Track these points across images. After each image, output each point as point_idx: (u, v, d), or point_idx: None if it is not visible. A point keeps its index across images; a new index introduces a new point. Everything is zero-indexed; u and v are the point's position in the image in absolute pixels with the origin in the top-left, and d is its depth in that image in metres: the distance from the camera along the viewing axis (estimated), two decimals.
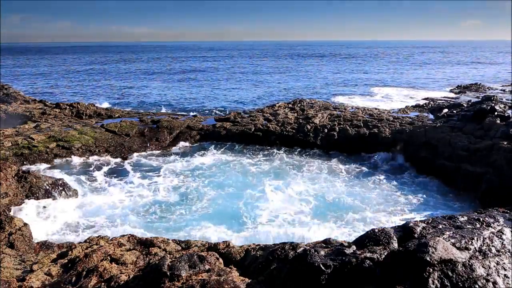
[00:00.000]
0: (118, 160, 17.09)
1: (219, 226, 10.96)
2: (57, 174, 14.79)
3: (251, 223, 11.30)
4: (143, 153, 18.18)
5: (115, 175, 15.21)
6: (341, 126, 19.58)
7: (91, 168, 15.80)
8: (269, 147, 18.84)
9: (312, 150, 18.48)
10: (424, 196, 13.33)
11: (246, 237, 10.22)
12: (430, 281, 3.86)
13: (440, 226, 5.30)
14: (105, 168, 15.86)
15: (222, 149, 18.58)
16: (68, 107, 23.94)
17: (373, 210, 12.10)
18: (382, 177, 14.97)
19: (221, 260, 6.11)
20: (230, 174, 15.25)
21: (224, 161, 16.82)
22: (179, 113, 26.67)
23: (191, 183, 14.25)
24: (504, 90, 35.47)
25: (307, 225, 10.98)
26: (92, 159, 16.91)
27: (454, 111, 21.13)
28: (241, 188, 13.79)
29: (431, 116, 22.15)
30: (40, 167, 15.55)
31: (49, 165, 15.93)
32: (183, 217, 11.69)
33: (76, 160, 16.59)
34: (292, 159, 17.29)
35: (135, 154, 17.76)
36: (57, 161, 16.37)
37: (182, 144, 19.46)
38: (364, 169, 15.95)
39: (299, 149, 18.54)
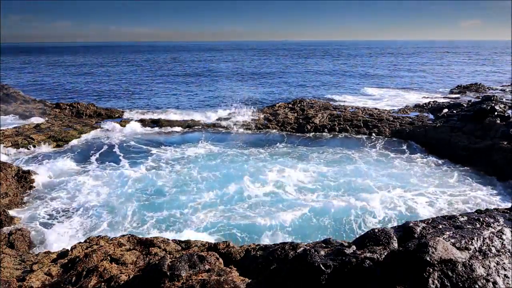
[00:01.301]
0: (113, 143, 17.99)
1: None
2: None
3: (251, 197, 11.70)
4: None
5: (109, 160, 15.63)
6: (341, 126, 19.59)
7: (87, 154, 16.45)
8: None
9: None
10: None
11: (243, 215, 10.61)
12: (430, 281, 3.86)
13: (440, 226, 5.30)
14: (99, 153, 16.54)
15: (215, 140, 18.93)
16: (68, 107, 23.95)
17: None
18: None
19: (221, 260, 6.11)
20: (227, 161, 15.60)
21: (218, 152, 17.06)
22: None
23: (185, 168, 14.58)
24: (504, 90, 35.43)
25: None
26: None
27: (454, 111, 21.11)
28: (241, 169, 14.20)
29: (431, 116, 22.13)
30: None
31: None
32: (180, 200, 11.92)
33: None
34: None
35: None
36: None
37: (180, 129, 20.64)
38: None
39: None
